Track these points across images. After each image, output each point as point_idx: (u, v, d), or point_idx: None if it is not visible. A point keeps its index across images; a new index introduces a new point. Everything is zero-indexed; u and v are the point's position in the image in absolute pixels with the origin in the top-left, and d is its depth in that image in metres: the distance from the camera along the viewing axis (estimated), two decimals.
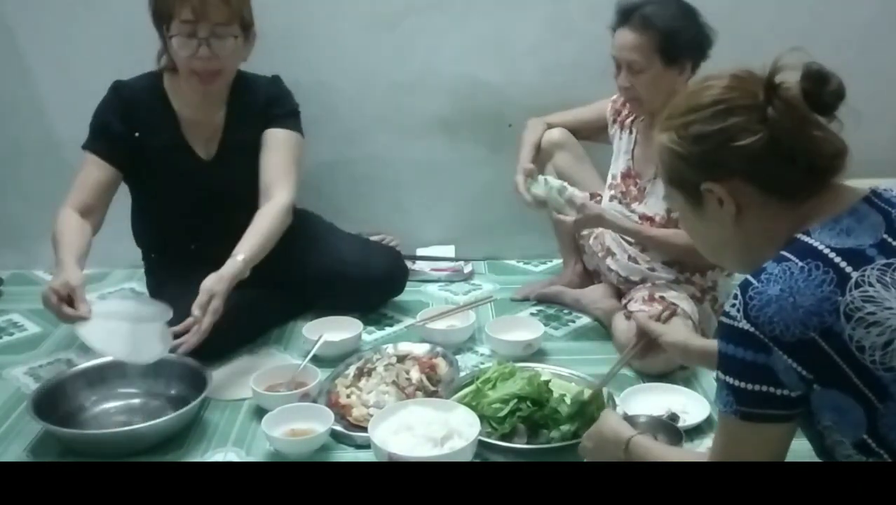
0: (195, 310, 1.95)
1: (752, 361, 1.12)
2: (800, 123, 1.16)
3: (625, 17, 2.16)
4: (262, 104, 2.31)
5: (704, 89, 1.22)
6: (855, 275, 1.10)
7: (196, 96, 2.23)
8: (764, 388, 1.12)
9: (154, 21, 2.17)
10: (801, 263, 1.11)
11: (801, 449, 1.22)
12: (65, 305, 1.89)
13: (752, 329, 1.11)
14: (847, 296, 1.08)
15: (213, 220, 2.26)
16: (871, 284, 1.09)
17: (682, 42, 2.13)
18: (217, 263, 2.04)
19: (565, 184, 2.29)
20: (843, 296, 1.08)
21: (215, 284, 1.99)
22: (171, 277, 2.30)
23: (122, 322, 1.96)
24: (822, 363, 1.10)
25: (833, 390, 1.11)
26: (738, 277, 2.45)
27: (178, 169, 2.27)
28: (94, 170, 2.21)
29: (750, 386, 1.13)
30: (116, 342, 1.91)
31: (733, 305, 1.14)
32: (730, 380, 1.15)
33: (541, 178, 2.30)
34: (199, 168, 2.28)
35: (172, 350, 1.95)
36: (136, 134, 2.23)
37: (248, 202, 2.21)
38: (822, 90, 1.15)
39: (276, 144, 2.29)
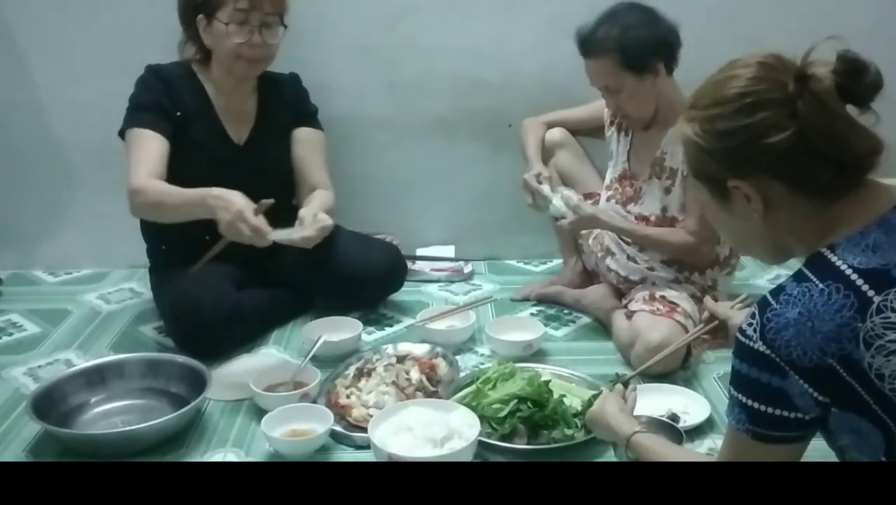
0: (304, 214, 2.09)
1: (766, 384, 1.10)
2: (832, 119, 1.10)
3: (583, 48, 2.18)
4: (290, 98, 2.44)
5: (730, 79, 1.15)
6: (877, 299, 1.05)
7: (229, 84, 2.30)
8: (778, 411, 1.10)
9: (188, 9, 2.22)
10: (821, 286, 1.07)
11: (809, 447, 1.19)
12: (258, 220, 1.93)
13: (768, 351, 1.08)
14: (867, 322, 1.04)
15: None
16: (893, 310, 1.04)
17: (644, 50, 2.12)
18: (230, 256, 2.01)
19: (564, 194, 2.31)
20: (863, 322, 1.04)
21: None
22: (180, 267, 2.16)
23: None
24: (839, 389, 1.07)
25: (851, 414, 1.08)
26: (738, 277, 2.48)
27: (213, 151, 2.30)
28: (152, 142, 2.20)
29: (763, 407, 1.11)
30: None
31: (750, 325, 1.11)
32: (742, 398, 1.13)
33: (553, 194, 2.28)
34: (232, 151, 2.33)
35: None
36: (178, 113, 2.27)
37: (274, 190, 2.13)
38: (857, 82, 1.09)
39: (315, 145, 2.45)
